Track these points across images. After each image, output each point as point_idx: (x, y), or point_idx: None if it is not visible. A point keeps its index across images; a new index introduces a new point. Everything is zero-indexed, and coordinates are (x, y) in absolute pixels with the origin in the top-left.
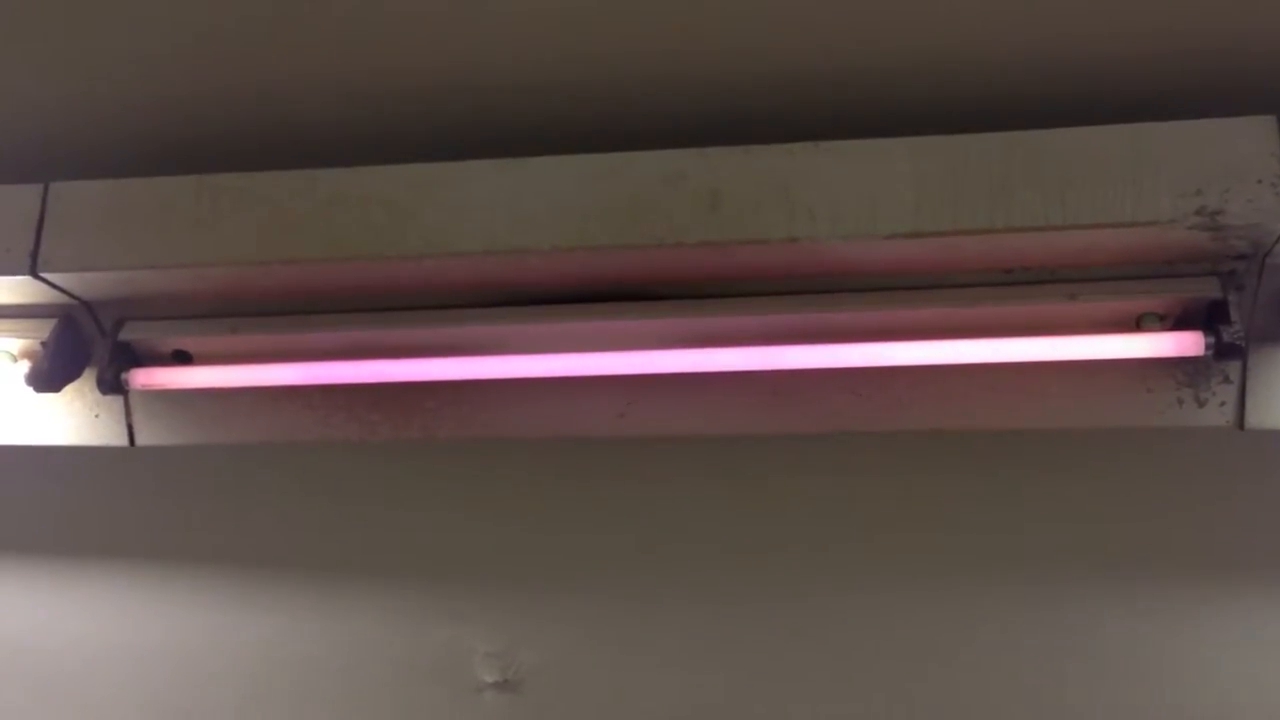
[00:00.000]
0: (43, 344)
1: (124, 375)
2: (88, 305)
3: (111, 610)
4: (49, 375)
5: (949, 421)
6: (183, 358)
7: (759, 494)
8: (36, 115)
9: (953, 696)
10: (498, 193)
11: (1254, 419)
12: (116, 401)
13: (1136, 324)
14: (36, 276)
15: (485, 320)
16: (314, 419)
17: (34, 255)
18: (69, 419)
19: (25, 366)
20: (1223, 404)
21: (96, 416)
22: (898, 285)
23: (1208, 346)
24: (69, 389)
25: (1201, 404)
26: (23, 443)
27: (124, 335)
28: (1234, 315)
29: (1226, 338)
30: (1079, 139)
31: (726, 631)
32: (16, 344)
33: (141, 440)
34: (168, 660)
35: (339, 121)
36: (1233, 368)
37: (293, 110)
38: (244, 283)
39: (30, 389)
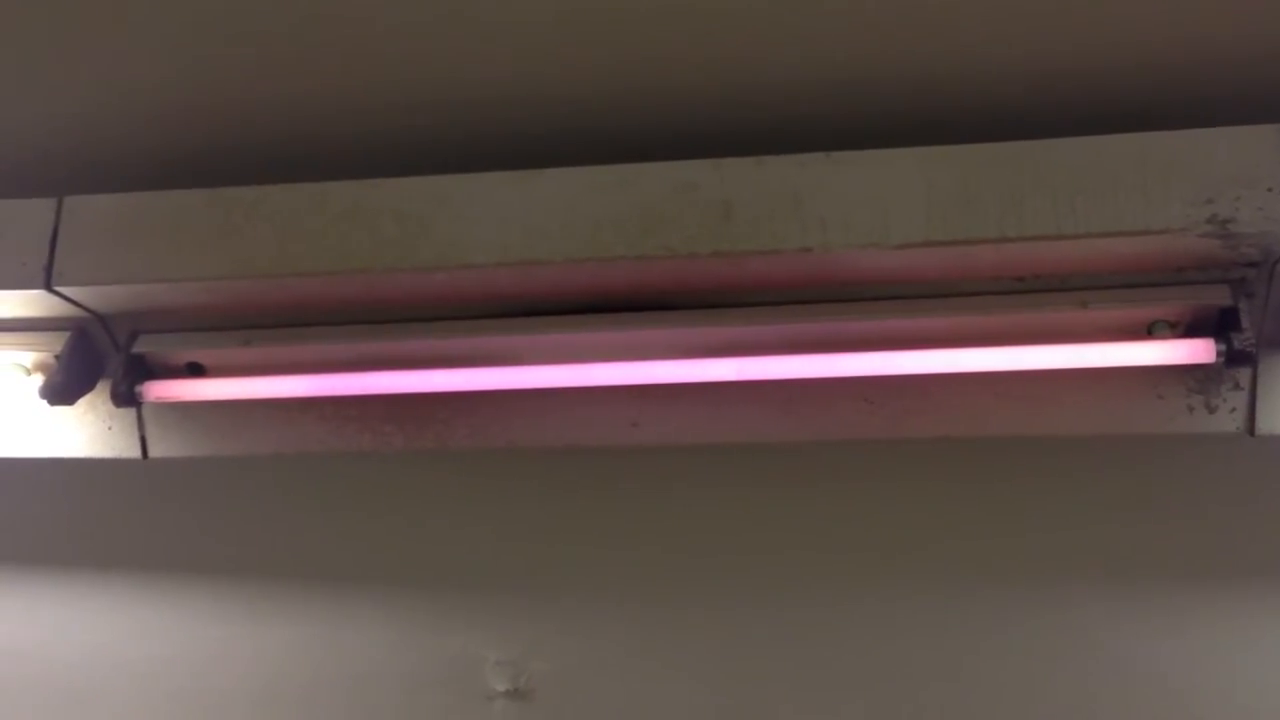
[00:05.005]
0: (57, 357)
1: (138, 388)
2: (102, 318)
3: (123, 622)
4: (63, 388)
5: (960, 429)
6: (196, 370)
7: (771, 502)
8: (50, 130)
9: (965, 702)
10: (510, 205)
11: (1264, 425)
12: (129, 414)
13: (1148, 331)
14: (51, 290)
15: (498, 331)
16: (326, 430)
17: (48, 269)
18: (82, 431)
19: (39, 379)
20: (1233, 410)
21: (109, 429)
22: (909, 294)
23: (1218, 353)
24: (82, 401)
25: (1212, 410)
26: (36, 455)
27: (138, 348)
28: (1244, 322)
29: (1237, 345)
30: (1090, 148)
31: (738, 640)
32: (30, 357)
33: (154, 452)
34: (179, 672)
35: (352, 134)
36: (1243, 374)
37: (306, 123)
38: (257, 295)
39: (44, 401)
